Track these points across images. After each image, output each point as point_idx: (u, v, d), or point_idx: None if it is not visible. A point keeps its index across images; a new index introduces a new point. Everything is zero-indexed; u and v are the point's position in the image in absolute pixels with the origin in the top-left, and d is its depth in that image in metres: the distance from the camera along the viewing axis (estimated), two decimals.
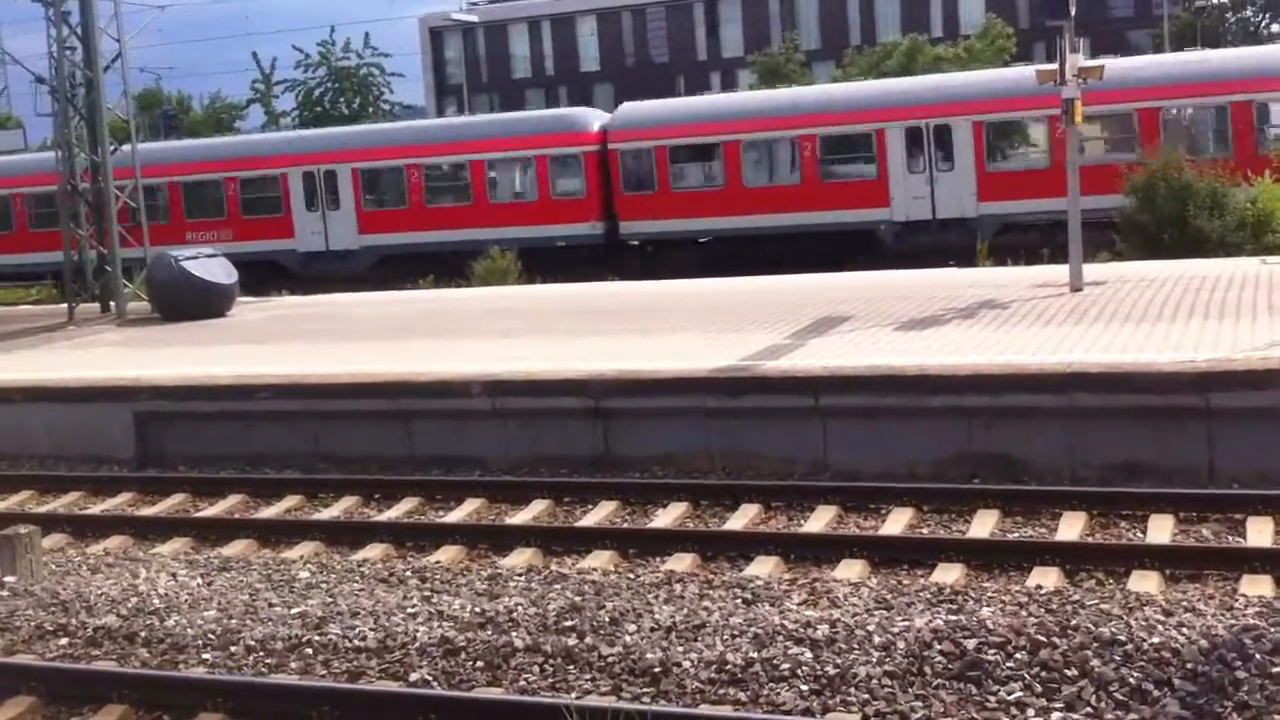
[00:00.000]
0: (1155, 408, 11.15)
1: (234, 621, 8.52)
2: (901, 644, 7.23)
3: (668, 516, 11.05)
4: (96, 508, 12.92)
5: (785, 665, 7.15)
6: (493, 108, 66.45)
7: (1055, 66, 16.93)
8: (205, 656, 8.06)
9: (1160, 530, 9.77)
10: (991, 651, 7.01)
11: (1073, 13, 16.70)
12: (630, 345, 14.93)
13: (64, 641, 8.51)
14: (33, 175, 36.31)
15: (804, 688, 6.93)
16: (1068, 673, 6.74)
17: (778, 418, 12.33)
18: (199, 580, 9.58)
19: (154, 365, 16.21)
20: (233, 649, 8.11)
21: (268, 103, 68.27)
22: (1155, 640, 6.97)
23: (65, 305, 24.58)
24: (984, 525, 10.17)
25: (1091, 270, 18.06)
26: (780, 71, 55.36)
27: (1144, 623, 7.28)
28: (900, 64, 49.72)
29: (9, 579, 9.75)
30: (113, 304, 23.91)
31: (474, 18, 66.19)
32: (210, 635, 8.31)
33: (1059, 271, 18.35)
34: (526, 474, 12.72)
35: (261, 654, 8.01)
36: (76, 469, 14.34)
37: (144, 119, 50.41)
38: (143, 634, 8.45)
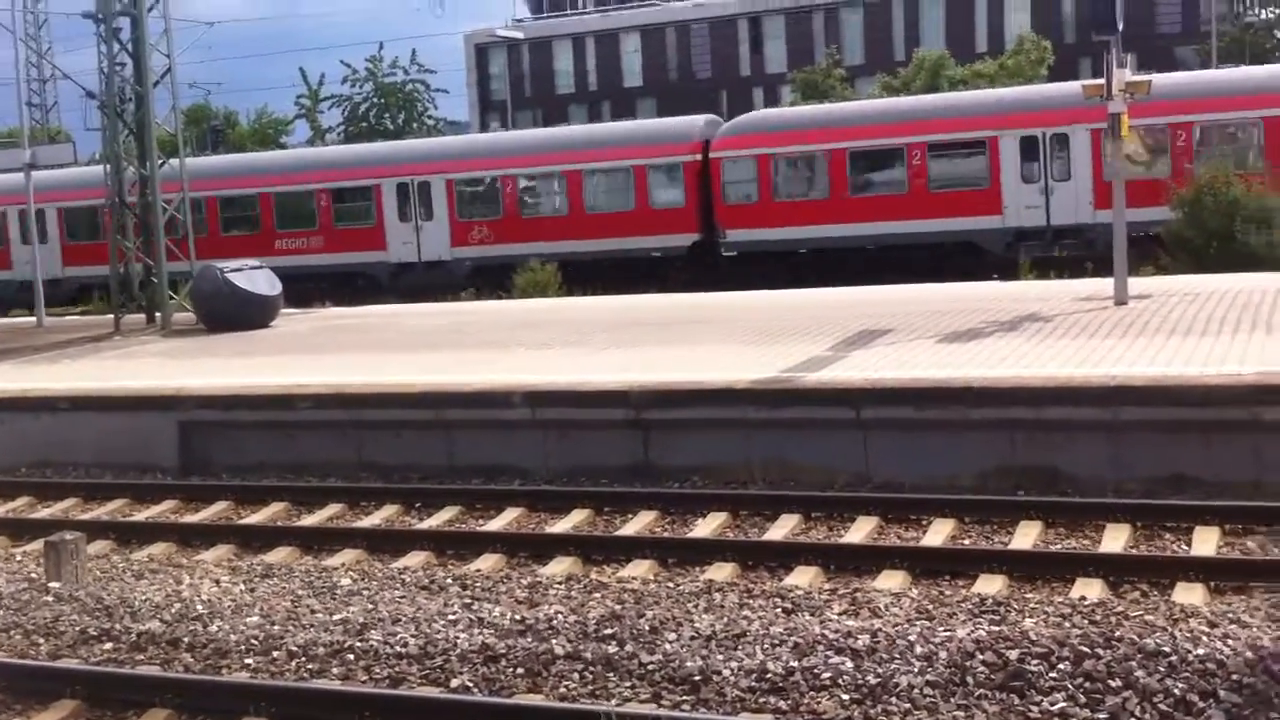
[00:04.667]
0: (1201, 421, 11.04)
1: (276, 627, 8.56)
2: (943, 654, 7.18)
3: (707, 526, 11.04)
4: (141, 515, 13.03)
5: (826, 674, 7.12)
6: (536, 123, 66.63)
7: (1102, 81, 16.86)
8: (248, 662, 8.10)
9: (1205, 542, 9.67)
10: (1034, 662, 6.95)
11: (1120, 28, 16.61)
12: (671, 356, 14.93)
13: (108, 646, 8.58)
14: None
15: (845, 697, 6.90)
16: (1111, 684, 6.67)
17: (819, 429, 12.29)
18: (242, 586, 9.65)
19: (198, 375, 16.35)
20: (275, 654, 8.15)
21: (313, 118, 68.78)
22: (1200, 652, 6.89)
23: (111, 316, 24.82)
24: (1027, 537, 10.10)
25: (1136, 284, 17.93)
26: (820, 88, 55.22)
27: (1189, 634, 7.20)
28: (926, 82, 49.50)
29: (54, 584, 9.84)
30: (158, 315, 24.14)
31: (519, 34, 66.50)
32: (253, 641, 8.36)
33: (1103, 285, 18.21)
34: (566, 483, 12.73)
35: (303, 659, 8.05)
36: (121, 477, 14.46)
37: (192, 134, 50.97)
38: (186, 639, 8.51)
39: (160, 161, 24.36)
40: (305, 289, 32.73)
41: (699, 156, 32.31)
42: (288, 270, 34.62)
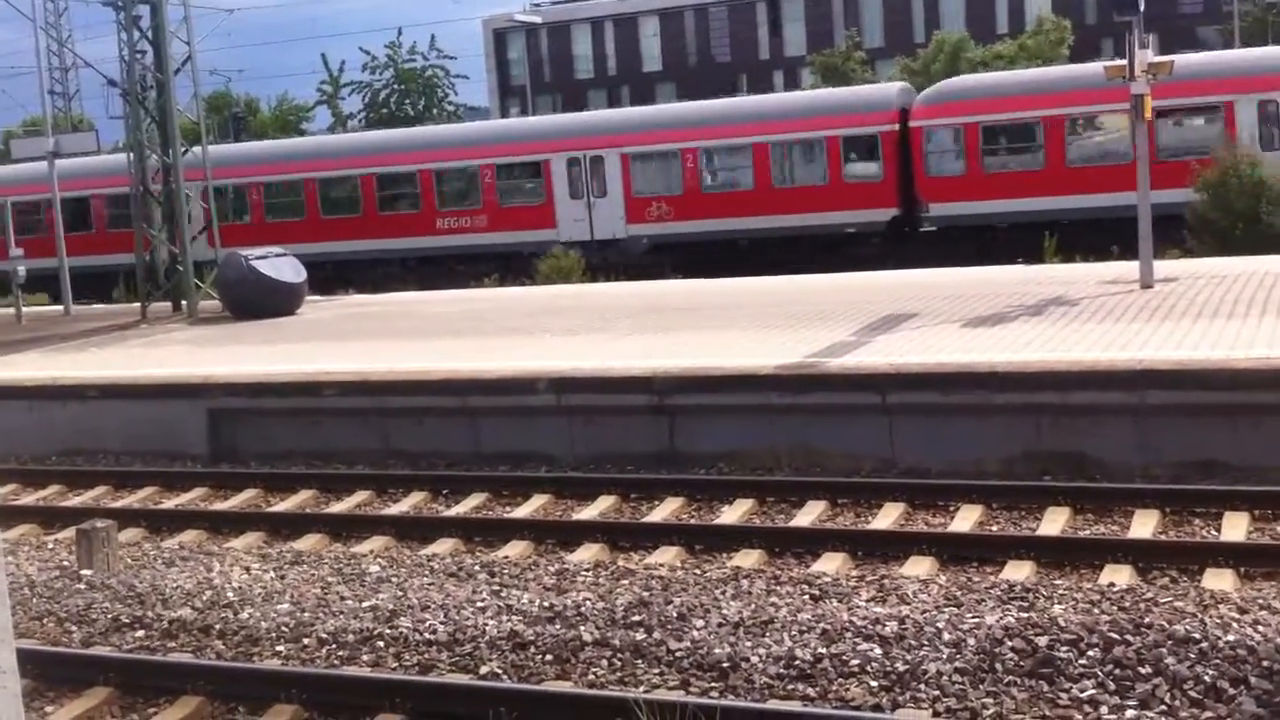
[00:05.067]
0: (1229, 405, 11.00)
1: (306, 614, 8.61)
2: (972, 641, 7.18)
3: (734, 513, 11.05)
4: (171, 502, 13.12)
5: (854, 661, 7.13)
6: (555, 108, 66.64)
7: (1124, 62, 16.77)
8: (279, 649, 8.15)
9: (1235, 528, 9.64)
10: (1064, 649, 6.95)
11: (1141, 8, 16.51)
12: (695, 342, 14.93)
13: (140, 634, 8.64)
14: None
15: (873, 684, 6.91)
16: (1142, 670, 6.67)
17: (843, 415, 12.29)
18: (272, 574, 9.70)
19: (225, 363, 16.43)
20: (305, 641, 8.20)
21: (334, 105, 68.89)
22: (1230, 638, 6.88)
23: (138, 304, 24.94)
24: (1054, 523, 10.08)
25: (1162, 267, 17.86)
26: (840, 71, 55.02)
27: (1219, 620, 7.19)
28: (946, 64, 49.21)
29: (86, 572, 9.91)
30: (184, 303, 24.25)
31: (537, 18, 66.46)
32: (283, 628, 8.41)
33: (1128, 268, 18.15)
34: (592, 470, 12.76)
35: (334, 646, 8.09)
36: (151, 464, 14.56)
37: (213, 121, 51.06)
38: (217, 626, 8.57)
39: (184, 149, 24.43)
40: (469, 270, 31.45)
41: (897, 126, 30.49)
42: (450, 250, 32.98)
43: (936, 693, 6.73)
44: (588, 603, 8.35)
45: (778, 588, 8.50)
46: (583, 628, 7.93)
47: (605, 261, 31.13)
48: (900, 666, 7.00)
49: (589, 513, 11.45)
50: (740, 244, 30.97)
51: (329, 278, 32.38)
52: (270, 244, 33.47)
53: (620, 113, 38.71)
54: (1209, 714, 6.26)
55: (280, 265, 22.64)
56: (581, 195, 32.63)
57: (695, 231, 31.38)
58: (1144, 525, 9.84)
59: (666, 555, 10.01)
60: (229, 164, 35.85)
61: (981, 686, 6.74)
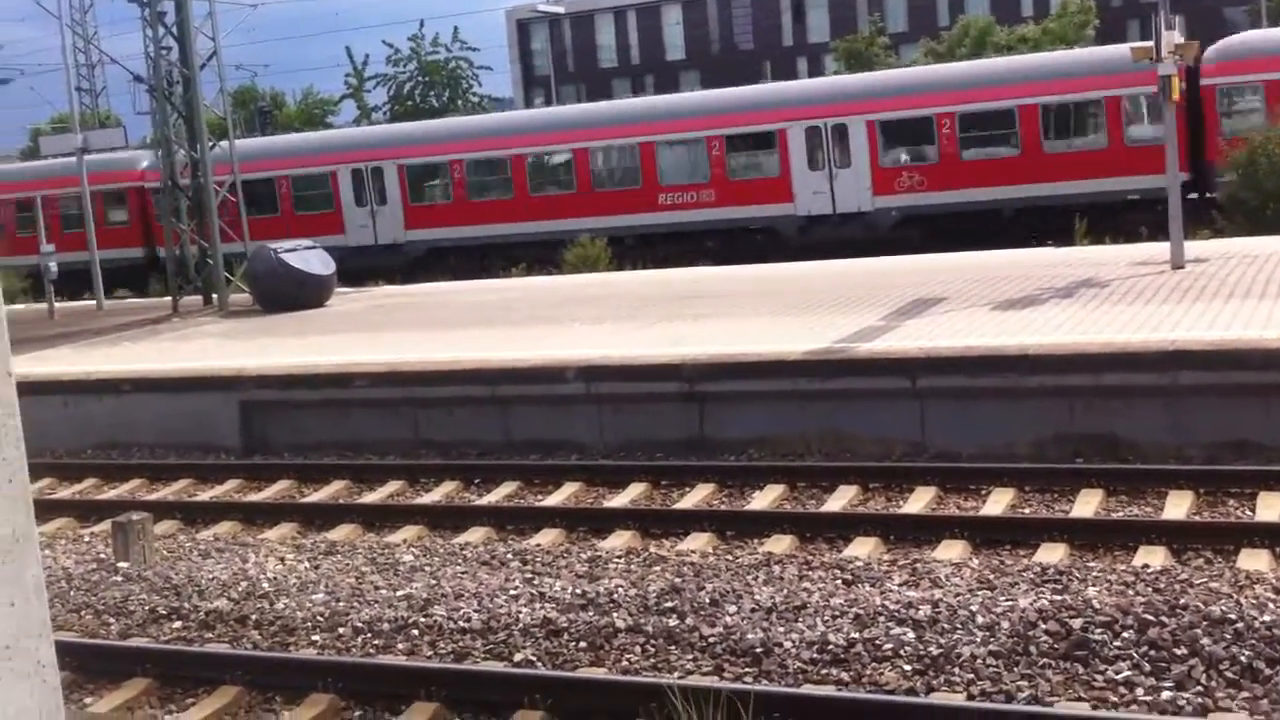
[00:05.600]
0: (1262, 385, 10.93)
1: (341, 604, 8.67)
2: (1006, 624, 7.18)
3: (765, 498, 11.06)
4: (205, 494, 13.20)
5: (888, 645, 7.14)
6: (579, 98, 66.52)
7: (1150, 44, 16.67)
8: (314, 638, 8.22)
9: (1270, 508, 9.58)
10: (1098, 631, 6.94)
11: None
12: (724, 329, 14.92)
13: (177, 625, 8.72)
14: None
15: (907, 668, 6.91)
16: (1177, 651, 6.65)
17: (874, 399, 12.27)
18: (306, 564, 9.77)
19: (256, 355, 16.51)
20: (341, 630, 8.26)
21: (360, 97, 69.00)
22: (1266, 618, 6.85)
23: (169, 298, 25.09)
24: (1088, 505, 10.05)
25: (1193, 247, 17.73)
26: (864, 56, 54.77)
27: (1254, 601, 7.17)
28: (971, 49, 48.87)
29: (123, 565, 10.00)
30: (215, 296, 24.39)
31: (560, 9, 66.38)
32: (319, 617, 8.48)
33: (1159, 249, 18.04)
34: (623, 458, 12.77)
35: (369, 635, 8.15)
36: (185, 457, 14.66)
37: (240, 115, 51.22)
38: (253, 617, 8.64)
39: (211, 144, 24.54)
40: (693, 249, 30.16)
41: (1184, 84, 28.57)
42: (673, 228, 31.26)
43: (971, 676, 6.73)
44: (620, 589, 8.38)
45: (810, 573, 8.51)
46: (615, 614, 7.96)
47: (848, 237, 28.88)
48: (934, 650, 7.01)
49: (620, 500, 11.47)
50: (1003, 214, 28.91)
51: (538, 260, 30.88)
52: (473, 225, 31.97)
53: (865, 77, 35.81)
54: (1245, 694, 6.25)
55: (309, 258, 22.76)
56: (822, 166, 30.53)
57: (953, 202, 29.08)
58: (1178, 506, 9.80)
59: (698, 542, 10.02)
60: (422, 141, 34.98)
61: (1016, 669, 6.74)
